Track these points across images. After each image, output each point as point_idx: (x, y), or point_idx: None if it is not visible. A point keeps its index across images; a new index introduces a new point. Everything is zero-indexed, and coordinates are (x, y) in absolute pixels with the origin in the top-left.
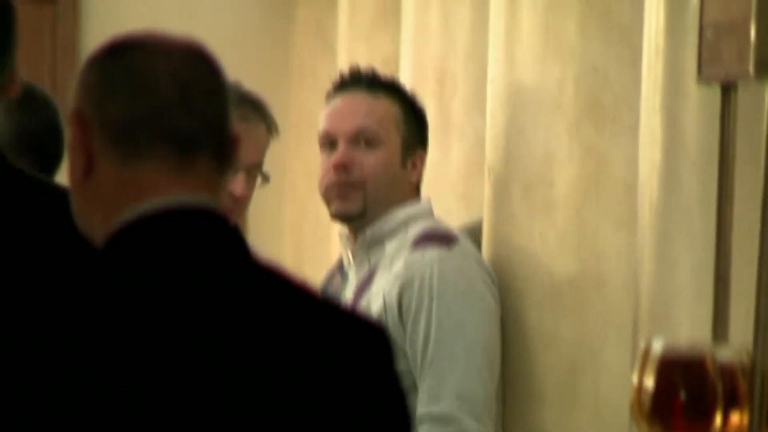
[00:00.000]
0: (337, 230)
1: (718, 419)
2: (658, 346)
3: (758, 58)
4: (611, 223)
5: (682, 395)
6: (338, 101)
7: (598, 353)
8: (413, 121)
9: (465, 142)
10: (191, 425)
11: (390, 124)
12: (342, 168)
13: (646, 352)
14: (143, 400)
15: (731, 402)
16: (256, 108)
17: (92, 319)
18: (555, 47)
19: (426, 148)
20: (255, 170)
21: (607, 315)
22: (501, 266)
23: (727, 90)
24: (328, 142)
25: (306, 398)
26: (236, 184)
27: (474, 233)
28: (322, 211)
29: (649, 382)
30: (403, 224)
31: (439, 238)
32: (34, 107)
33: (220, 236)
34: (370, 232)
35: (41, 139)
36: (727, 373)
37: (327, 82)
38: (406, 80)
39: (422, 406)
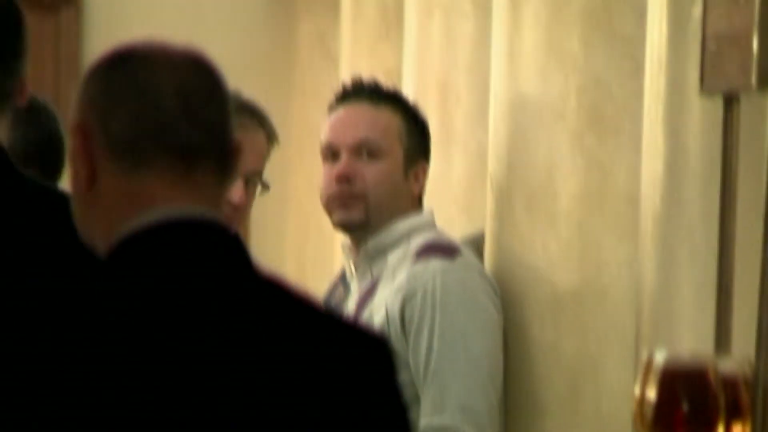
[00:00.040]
0: (340, 242)
1: (720, 431)
2: (660, 358)
3: (761, 70)
4: (614, 235)
5: (685, 407)
6: (341, 112)
7: (600, 365)
8: (416, 133)
9: (467, 153)
10: (191, 425)
11: (392, 135)
12: (344, 179)
13: (649, 364)
14: (143, 400)
15: (733, 413)
16: (255, 116)
17: (92, 319)
18: (557, 59)
19: (428, 160)
20: (254, 178)
21: (609, 326)
22: (503, 278)
23: (730, 102)
24: (331, 153)
25: (306, 400)
26: (234, 191)
27: (476, 244)
28: (325, 223)
29: (652, 394)
30: (406, 236)
31: (441, 249)
32: (37, 118)
33: (222, 247)
34: (372, 243)
35: (43, 150)
36: (730, 385)
37: (330, 94)
38: (409, 92)
39: (425, 417)
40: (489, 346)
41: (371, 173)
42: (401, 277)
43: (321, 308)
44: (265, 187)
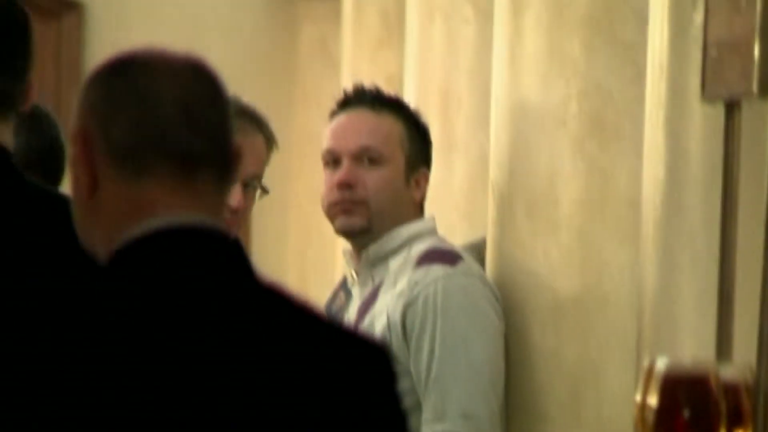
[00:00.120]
0: (341, 249)
1: None
2: (661, 364)
3: (762, 76)
4: (615, 241)
5: (686, 413)
6: (342, 119)
7: (601, 371)
8: (417, 139)
9: (469, 160)
10: (191, 425)
11: (394, 142)
12: (346, 186)
13: (650, 370)
14: (143, 400)
15: (735, 420)
16: (253, 120)
17: (92, 319)
18: (559, 65)
19: (430, 167)
20: (253, 182)
21: (610, 333)
22: (505, 284)
23: (731, 108)
24: (332, 159)
25: (306, 400)
26: (233, 196)
27: (477, 250)
28: (326, 229)
29: (653, 400)
30: (407, 242)
31: (443, 256)
32: (39, 125)
33: (222, 254)
34: (373, 249)
35: (44, 158)
36: (731, 391)
37: (331, 100)
38: (410, 98)
39: (427, 424)
40: (490, 353)
41: (373, 180)
42: (402, 283)
43: (321, 313)
44: (265, 191)
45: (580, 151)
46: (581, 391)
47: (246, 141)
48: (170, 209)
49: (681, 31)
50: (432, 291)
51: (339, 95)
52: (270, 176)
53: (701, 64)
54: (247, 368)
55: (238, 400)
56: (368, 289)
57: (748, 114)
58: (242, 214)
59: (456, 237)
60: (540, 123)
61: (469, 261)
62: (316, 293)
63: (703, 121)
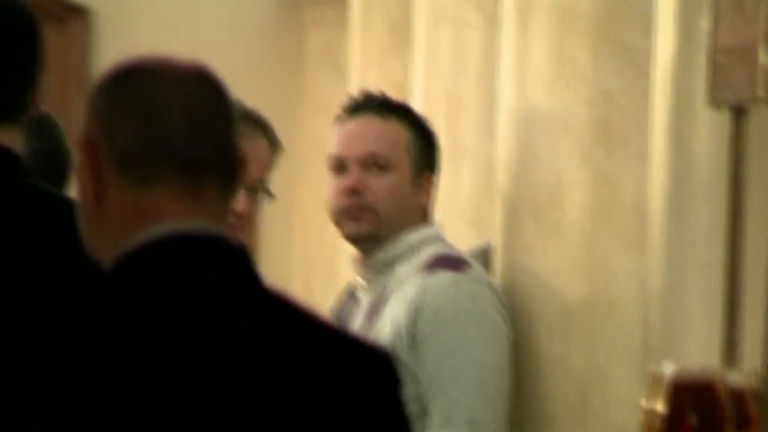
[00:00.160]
0: (347, 255)
1: None
2: (668, 370)
3: None
4: (622, 248)
5: (693, 419)
6: (349, 125)
7: (608, 376)
8: (424, 145)
9: (476, 166)
10: (191, 425)
11: (401, 148)
12: (353, 192)
13: (657, 376)
14: (143, 400)
15: (741, 426)
16: (257, 125)
17: (92, 319)
18: (566, 71)
19: (437, 173)
20: (257, 186)
21: (617, 339)
22: (512, 290)
23: (738, 113)
24: (339, 165)
25: (306, 400)
26: (237, 201)
27: (483, 256)
28: (332, 236)
29: (660, 406)
30: (414, 248)
31: (450, 262)
32: (44, 130)
33: (226, 260)
34: (380, 255)
35: (49, 162)
36: (738, 397)
37: (338, 106)
38: (418, 105)
39: (434, 431)
40: (497, 359)
41: (380, 186)
42: (410, 289)
43: (322, 317)
44: (270, 195)
45: (587, 158)
46: (588, 396)
47: (250, 145)
48: (175, 216)
49: (687, 38)
50: (439, 297)
51: (346, 101)
52: (276, 182)
53: (708, 70)
54: (247, 368)
55: (238, 400)
56: (375, 295)
57: (754, 119)
58: (247, 219)
59: (463, 243)
60: (547, 129)
61: (476, 267)
62: (322, 299)
63: (710, 127)
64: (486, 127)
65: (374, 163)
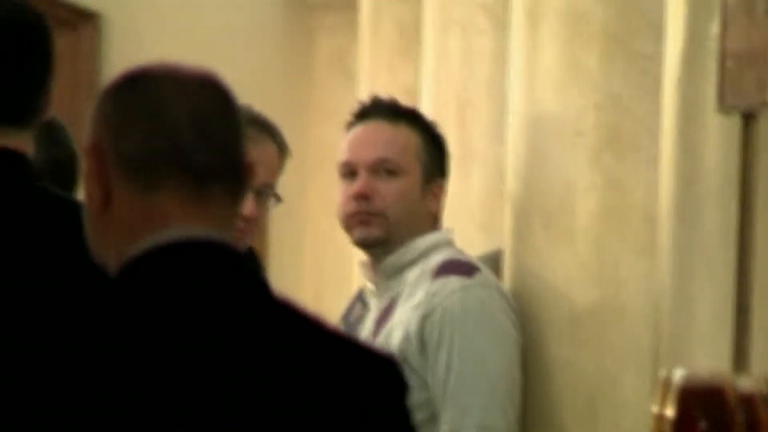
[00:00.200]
0: (357, 260)
1: None
2: (678, 375)
3: None
4: (632, 253)
5: (702, 424)
6: (359, 130)
7: (618, 382)
8: (434, 151)
9: (486, 171)
10: (191, 425)
11: (411, 153)
12: (363, 197)
13: (667, 382)
14: (143, 400)
15: (751, 431)
16: (265, 129)
17: (92, 319)
18: (575, 76)
19: (447, 178)
20: (265, 190)
21: (627, 345)
22: (522, 295)
23: (748, 119)
24: (349, 171)
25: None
26: (246, 204)
27: (493, 261)
28: (342, 242)
29: (669, 412)
30: (424, 253)
31: (460, 267)
32: (53, 136)
33: (228, 265)
34: (390, 261)
35: (59, 168)
36: (747, 403)
37: (347, 111)
38: (427, 110)
39: None
40: (507, 364)
41: (389, 191)
42: (420, 294)
43: (325, 321)
44: (278, 199)
45: (597, 163)
46: (598, 402)
47: (257, 149)
48: (181, 222)
49: (697, 43)
50: (449, 303)
51: (355, 107)
52: (286, 187)
53: (718, 76)
54: (247, 368)
55: (238, 400)
56: (385, 300)
57: (764, 124)
58: (255, 223)
59: (472, 248)
60: (556, 134)
61: (486, 272)
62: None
63: (720, 132)
64: (496, 132)
65: (384, 169)
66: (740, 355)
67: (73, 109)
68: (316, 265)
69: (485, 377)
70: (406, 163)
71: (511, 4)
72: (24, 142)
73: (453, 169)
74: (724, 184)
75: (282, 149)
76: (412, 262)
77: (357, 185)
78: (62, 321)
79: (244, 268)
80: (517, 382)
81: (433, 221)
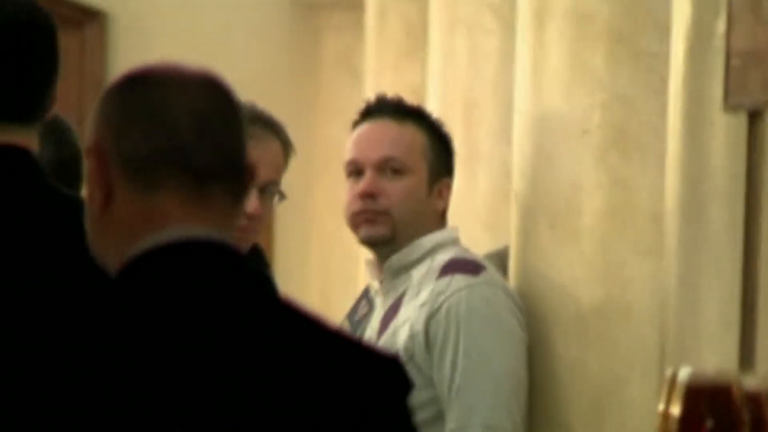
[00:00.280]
0: (364, 259)
1: None
2: (684, 374)
3: None
4: (638, 252)
5: (708, 423)
6: (365, 129)
7: (624, 382)
8: (440, 150)
9: (492, 171)
10: (191, 425)
11: (416, 152)
12: (369, 196)
13: (672, 380)
14: (143, 400)
15: (757, 430)
16: (269, 126)
17: (92, 319)
18: (581, 76)
19: (452, 177)
20: (270, 188)
21: (633, 344)
22: (528, 294)
23: (754, 118)
24: (355, 170)
25: (306, 400)
26: (249, 202)
27: (499, 258)
28: (349, 241)
29: (675, 410)
30: (430, 252)
31: (466, 266)
32: (58, 135)
33: (227, 265)
34: (396, 259)
35: (64, 167)
36: (754, 402)
37: (353, 110)
38: (433, 109)
39: None
40: (513, 364)
41: (395, 190)
42: (425, 293)
43: (326, 322)
44: (282, 196)
45: (603, 162)
46: (604, 401)
47: (261, 146)
48: (181, 222)
49: (703, 42)
50: (455, 301)
51: (362, 106)
52: (292, 187)
53: (724, 74)
54: (247, 368)
55: (238, 400)
56: (391, 299)
57: None
58: (259, 220)
59: (479, 248)
60: (563, 134)
61: (491, 271)
62: (339, 304)
63: (726, 131)
64: (502, 132)
65: (390, 167)
66: (746, 354)
67: (80, 108)
68: (322, 264)
69: (491, 376)
70: (412, 162)
71: (517, 3)
72: (29, 140)
73: (459, 168)
74: (730, 182)
75: (286, 146)
76: (418, 261)
77: (363, 184)
78: (62, 321)
79: (244, 268)
80: (523, 381)
81: (439, 220)
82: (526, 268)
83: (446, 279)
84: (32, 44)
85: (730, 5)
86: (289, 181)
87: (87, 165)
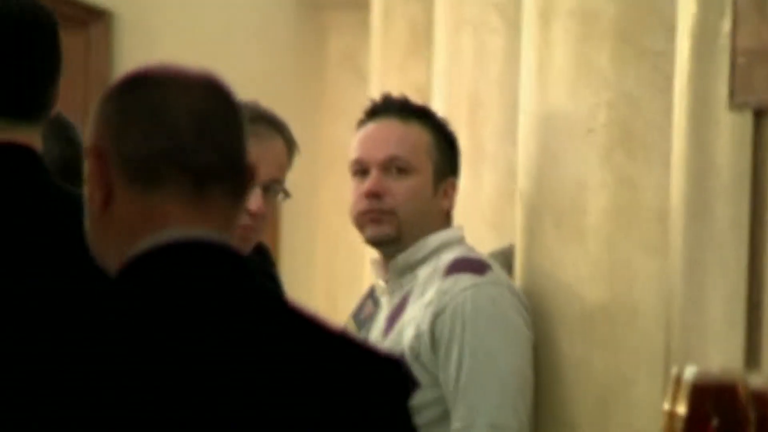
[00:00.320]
0: (369, 259)
1: None
2: (689, 373)
3: None
4: (643, 251)
5: (714, 422)
6: (370, 128)
7: (630, 381)
8: (445, 149)
9: (497, 170)
10: (191, 425)
11: (422, 151)
12: (374, 195)
13: (678, 379)
14: (143, 400)
15: (763, 429)
16: (272, 125)
17: (92, 319)
18: (587, 75)
19: (458, 176)
20: (273, 186)
21: (639, 343)
22: (533, 294)
23: (759, 116)
24: (360, 169)
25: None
26: (252, 200)
27: (504, 257)
28: (354, 241)
29: (681, 409)
30: (435, 251)
31: (471, 265)
32: (61, 134)
33: (226, 266)
34: (401, 259)
35: (68, 165)
36: (759, 400)
37: (359, 110)
38: (439, 109)
39: None
40: (519, 363)
41: (401, 190)
42: (431, 293)
43: (326, 321)
44: (286, 194)
45: (608, 161)
46: (610, 400)
47: (265, 145)
48: (180, 222)
49: (709, 40)
50: (460, 300)
51: (367, 105)
52: (297, 187)
53: (729, 73)
54: (247, 368)
55: (238, 400)
56: (397, 298)
57: None
58: (263, 218)
59: (484, 247)
60: (568, 133)
61: (497, 270)
62: (344, 304)
63: (731, 130)
64: (507, 131)
65: (395, 167)
66: (752, 352)
67: (85, 107)
68: (328, 264)
69: (496, 375)
70: (417, 161)
71: (523, 3)
72: (32, 137)
73: (464, 168)
74: (736, 180)
75: (290, 145)
76: (424, 260)
77: (368, 183)
78: (62, 321)
79: (244, 268)
80: (529, 380)
81: (444, 219)
82: (531, 267)
83: (452, 278)
84: (34, 42)
85: (735, 4)
86: (294, 181)
87: (87, 165)
